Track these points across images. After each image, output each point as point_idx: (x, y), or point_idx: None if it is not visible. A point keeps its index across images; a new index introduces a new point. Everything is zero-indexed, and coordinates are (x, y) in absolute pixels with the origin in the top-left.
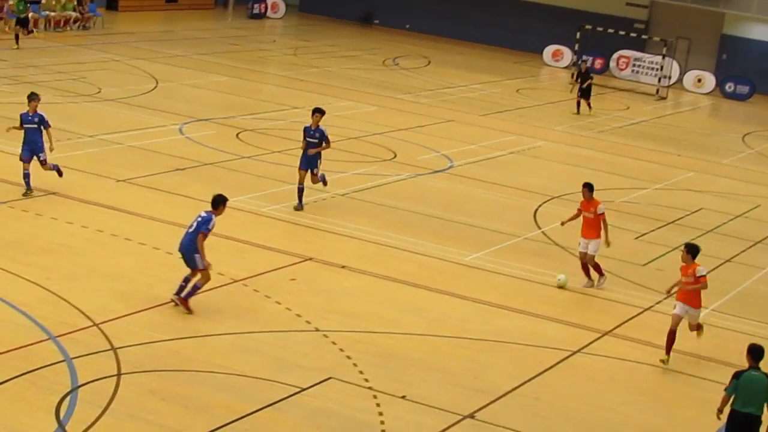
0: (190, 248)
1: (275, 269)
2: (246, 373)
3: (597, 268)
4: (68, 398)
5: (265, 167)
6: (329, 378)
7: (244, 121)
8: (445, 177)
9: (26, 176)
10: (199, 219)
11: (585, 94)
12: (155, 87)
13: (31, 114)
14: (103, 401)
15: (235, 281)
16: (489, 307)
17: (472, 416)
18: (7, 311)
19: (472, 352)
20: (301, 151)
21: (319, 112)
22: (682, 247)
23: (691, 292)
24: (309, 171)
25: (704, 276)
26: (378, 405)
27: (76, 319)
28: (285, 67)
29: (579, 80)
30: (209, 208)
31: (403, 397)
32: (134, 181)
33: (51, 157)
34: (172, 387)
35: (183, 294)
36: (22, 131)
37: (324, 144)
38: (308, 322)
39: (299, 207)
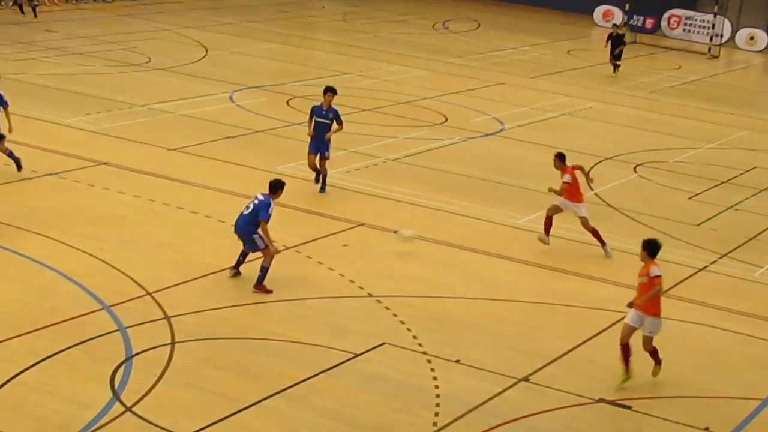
0: (247, 230)
1: (327, 235)
2: (300, 340)
3: (595, 234)
4: (123, 367)
5: None
6: (383, 343)
7: (294, 87)
8: (497, 140)
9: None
10: (257, 203)
11: (617, 58)
12: (205, 55)
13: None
14: (157, 370)
15: (288, 248)
16: (542, 269)
17: (526, 379)
18: (61, 282)
19: (525, 315)
20: (309, 132)
21: (331, 91)
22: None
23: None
24: (319, 155)
25: (658, 277)
26: (432, 369)
27: (129, 288)
28: (334, 32)
29: (611, 45)
30: (257, 183)
31: (457, 361)
32: (185, 150)
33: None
34: (226, 355)
35: (255, 283)
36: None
37: (337, 125)
38: (361, 288)
39: (322, 189)
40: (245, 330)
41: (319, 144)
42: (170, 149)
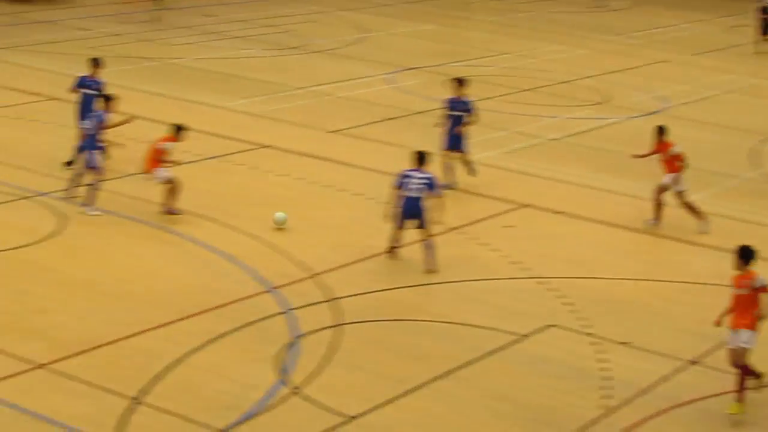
0: (419, 210)
1: (491, 216)
2: (466, 321)
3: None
4: (289, 349)
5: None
6: (550, 325)
7: (453, 68)
8: (660, 119)
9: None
10: (425, 181)
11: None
12: (363, 37)
13: (90, 79)
14: (324, 351)
15: (451, 229)
16: (710, 249)
17: (698, 362)
18: (227, 264)
19: (695, 296)
20: (444, 127)
21: (459, 82)
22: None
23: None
24: (458, 152)
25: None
26: (600, 351)
27: (294, 270)
28: (491, 12)
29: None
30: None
31: (626, 343)
32: (346, 132)
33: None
34: (393, 337)
35: (426, 267)
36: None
37: (470, 118)
38: (527, 269)
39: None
40: (411, 312)
41: (454, 140)
42: (330, 131)
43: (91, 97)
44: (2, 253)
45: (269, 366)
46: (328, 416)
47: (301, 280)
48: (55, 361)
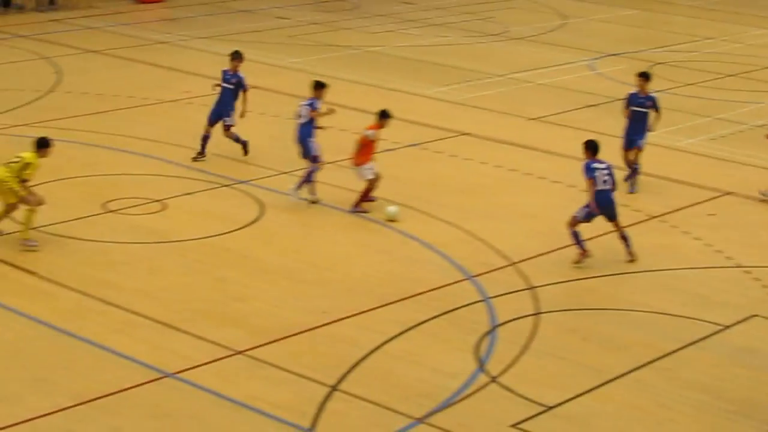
0: (613, 203)
1: (693, 204)
2: (666, 311)
3: None
4: (487, 338)
5: (679, 100)
6: (754, 315)
7: (655, 54)
8: None
9: (204, 138)
10: (608, 171)
11: None
12: (563, 23)
13: (231, 73)
14: (522, 340)
15: (653, 217)
16: None
17: None
18: (426, 252)
19: None
20: (627, 121)
21: (643, 76)
22: None
23: None
24: (633, 142)
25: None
26: None
27: (492, 258)
28: None
29: None
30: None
31: None
32: (545, 119)
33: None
34: (591, 326)
35: (628, 257)
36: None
37: (654, 112)
38: (729, 258)
39: (631, 190)
40: (610, 300)
41: (637, 135)
42: (530, 119)
43: (230, 91)
44: (203, 240)
45: (467, 354)
46: (525, 406)
47: (499, 268)
48: (254, 348)
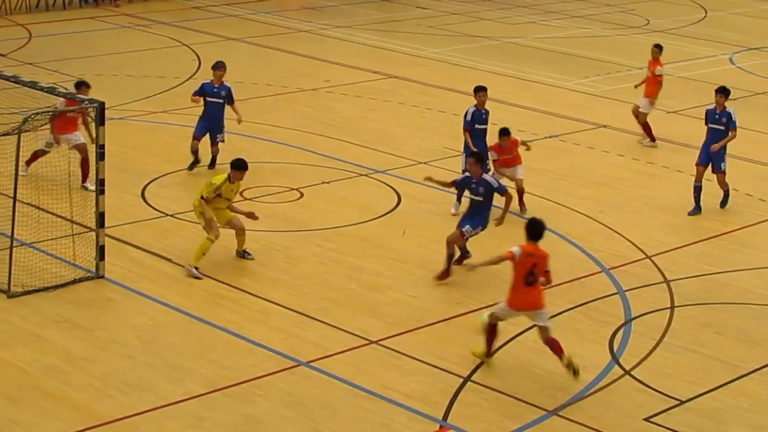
0: None
1: None
2: None
3: None
4: (621, 330)
5: None
6: None
7: None
8: None
9: (195, 152)
10: None
11: None
12: (704, 16)
13: (216, 86)
14: (656, 334)
15: None
16: None
17: None
18: (562, 244)
19: None
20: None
21: (722, 92)
22: None
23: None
24: (713, 167)
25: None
26: None
27: (628, 251)
28: None
29: None
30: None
31: None
32: (684, 112)
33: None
34: (726, 320)
35: None
36: (201, 103)
37: (730, 133)
38: None
39: (696, 210)
40: (746, 295)
41: (710, 153)
42: (669, 111)
43: (219, 105)
44: (340, 229)
45: (602, 347)
46: (658, 399)
47: (635, 261)
48: (387, 338)
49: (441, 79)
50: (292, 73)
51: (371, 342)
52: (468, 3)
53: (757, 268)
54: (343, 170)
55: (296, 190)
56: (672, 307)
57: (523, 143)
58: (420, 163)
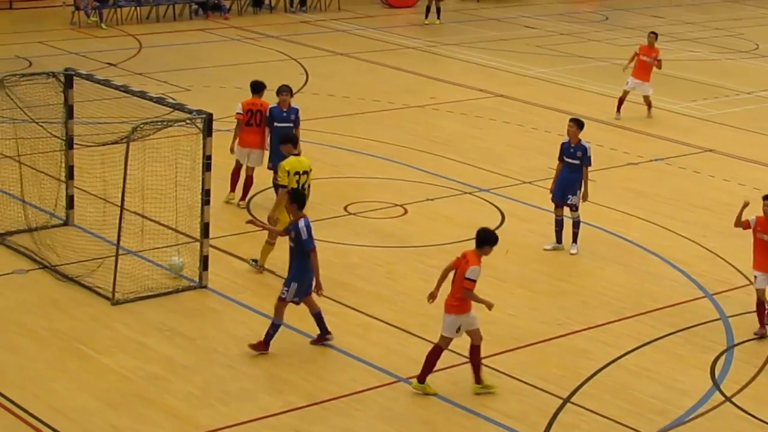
0: None
1: None
2: None
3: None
4: (723, 356)
5: None
6: None
7: None
8: None
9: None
10: None
11: None
12: None
13: (284, 109)
14: (759, 361)
15: None
16: None
17: None
18: (664, 267)
19: None
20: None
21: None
22: None
23: None
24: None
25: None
26: None
27: (732, 276)
28: None
29: None
30: None
31: None
32: None
33: None
34: None
35: None
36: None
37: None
38: None
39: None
40: None
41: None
42: None
43: (290, 130)
44: (442, 246)
45: (703, 373)
46: (760, 427)
47: (739, 287)
48: (487, 357)
49: (547, 99)
50: (398, 89)
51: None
52: (576, 23)
53: None
54: (447, 187)
55: (400, 206)
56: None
57: None
58: (524, 182)
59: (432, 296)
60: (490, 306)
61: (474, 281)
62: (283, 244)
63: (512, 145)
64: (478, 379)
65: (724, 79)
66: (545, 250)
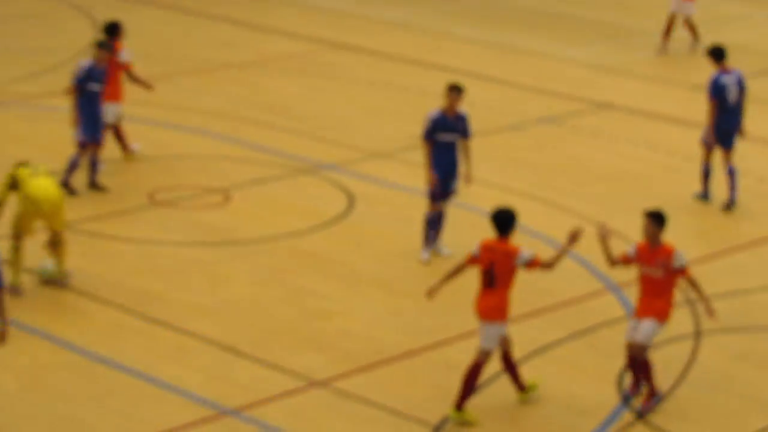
0: None
1: None
2: None
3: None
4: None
5: None
6: None
7: None
8: None
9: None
10: None
11: None
12: None
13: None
14: (678, 367)
15: None
16: None
17: None
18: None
19: None
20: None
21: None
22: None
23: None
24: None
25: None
26: None
27: None
28: None
29: None
30: None
31: None
32: None
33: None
34: (766, 350)
35: None
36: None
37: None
38: None
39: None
40: None
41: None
42: (695, 86)
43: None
44: (277, 241)
45: (608, 386)
46: None
47: None
48: (338, 378)
49: (405, 49)
50: (215, 43)
51: (317, 383)
52: None
53: None
54: (281, 166)
55: (221, 191)
56: (697, 335)
57: None
58: (378, 156)
59: (433, 293)
60: (575, 237)
61: (536, 259)
62: None
63: (362, 108)
64: (521, 386)
65: (626, 16)
66: (423, 260)
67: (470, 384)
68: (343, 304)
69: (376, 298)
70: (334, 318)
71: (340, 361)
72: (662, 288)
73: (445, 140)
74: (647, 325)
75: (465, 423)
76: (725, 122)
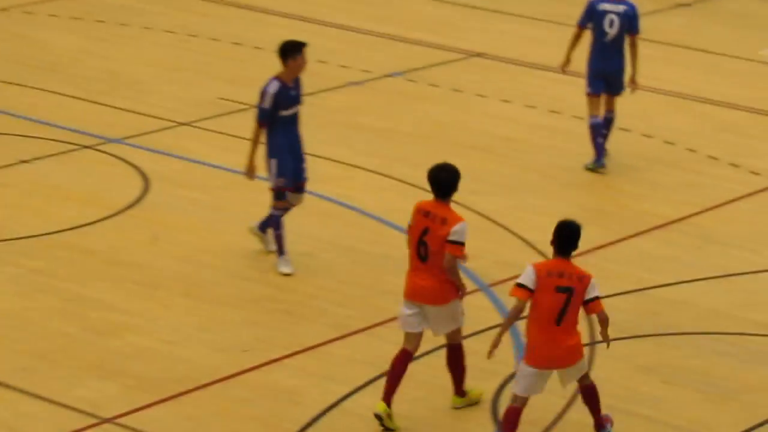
0: None
1: None
2: None
3: None
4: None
5: None
6: None
7: None
8: None
9: None
10: None
11: None
12: None
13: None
14: (568, 385)
15: None
16: None
17: None
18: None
19: None
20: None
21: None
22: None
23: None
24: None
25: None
26: None
27: (519, 255)
28: None
29: None
30: None
31: None
32: None
33: None
34: (678, 360)
35: None
36: None
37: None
38: None
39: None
40: (709, 319)
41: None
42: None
43: None
44: (50, 237)
45: (479, 412)
46: None
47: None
48: (131, 412)
49: None
50: None
51: (104, 420)
52: None
53: (727, 275)
54: (54, 140)
55: None
56: (592, 344)
57: None
58: (179, 124)
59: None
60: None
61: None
62: None
63: (158, 65)
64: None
65: None
66: (283, 274)
67: (459, 369)
68: (136, 317)
69: (179, 307)
70: (126, 334)
71: (134, 391)
72: None
73: (288, 114)
74: None
75: (474, 403)
76: (600, 61)
